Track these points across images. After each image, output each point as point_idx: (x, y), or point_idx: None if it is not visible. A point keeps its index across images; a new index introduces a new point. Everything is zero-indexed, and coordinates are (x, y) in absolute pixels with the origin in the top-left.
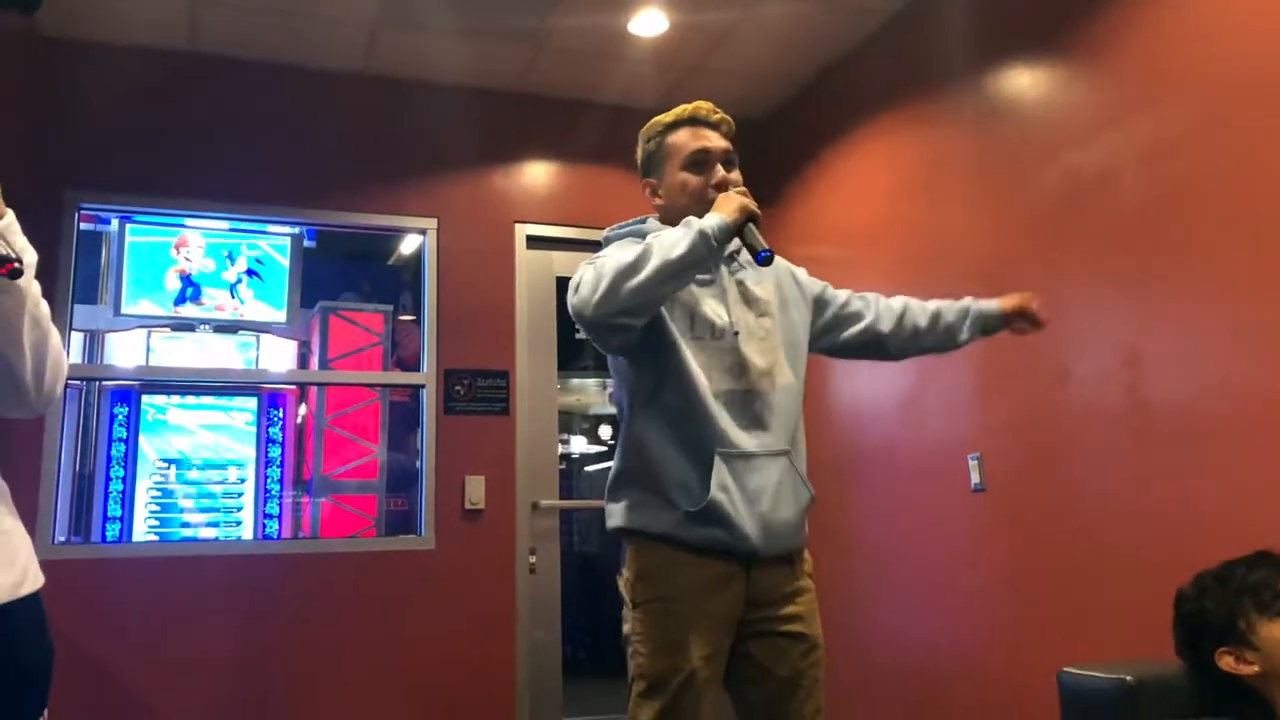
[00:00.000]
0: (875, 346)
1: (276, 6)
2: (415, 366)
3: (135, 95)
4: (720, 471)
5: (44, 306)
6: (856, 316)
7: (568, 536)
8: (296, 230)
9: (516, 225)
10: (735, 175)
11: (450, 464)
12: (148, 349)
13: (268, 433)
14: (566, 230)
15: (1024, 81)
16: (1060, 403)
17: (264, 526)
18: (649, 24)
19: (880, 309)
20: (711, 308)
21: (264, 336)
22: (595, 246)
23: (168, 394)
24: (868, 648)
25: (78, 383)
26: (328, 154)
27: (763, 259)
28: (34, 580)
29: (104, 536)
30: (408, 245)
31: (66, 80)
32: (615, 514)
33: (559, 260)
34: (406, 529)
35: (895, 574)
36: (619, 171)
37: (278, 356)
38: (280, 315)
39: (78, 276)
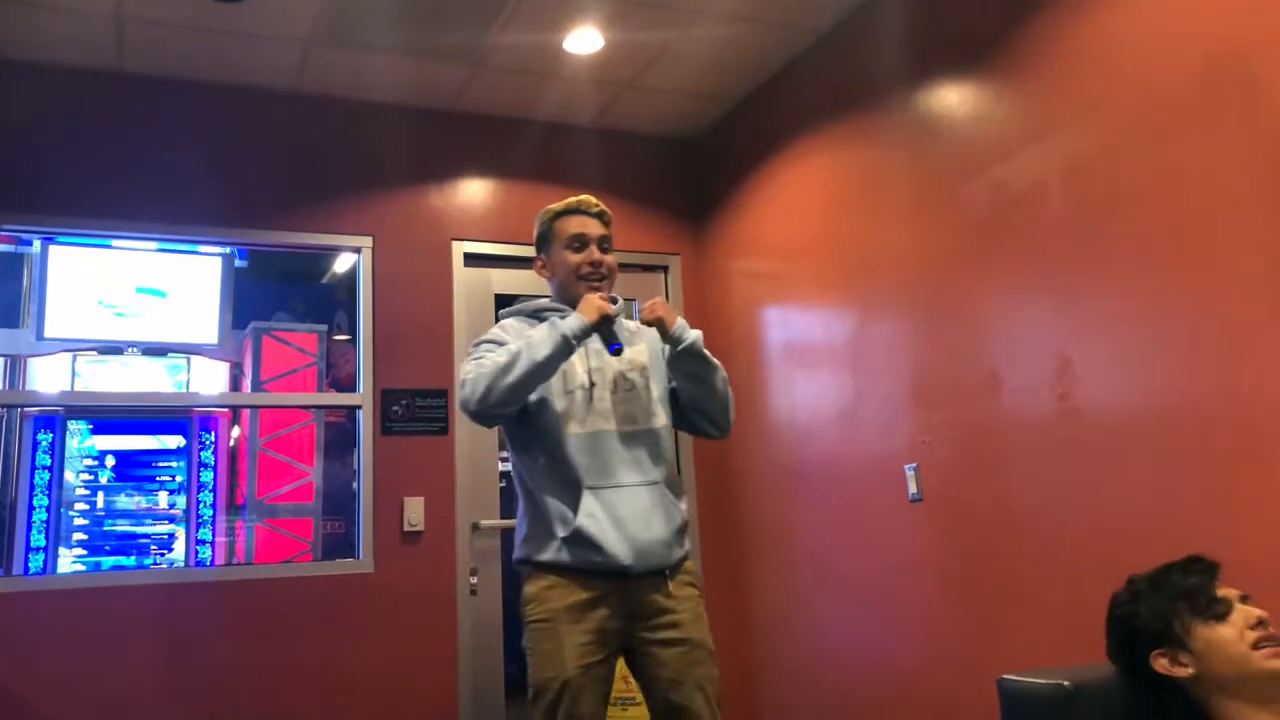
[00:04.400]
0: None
1: (206, 25)
2: (351, 387)
3: (59, 114)
4: (588, 501)
5: None
6: None
7: (509, 556)
8: (227, 250)
9: (454, 243)
10: (609, 258)
11: (388, 485)
12: (73, 373)
13: (199, 457)
14: (504, 247)
15: (953, 98)
16: (993, 412)
17: (196, 553)
18: (584, 42)
19: None
20: (579, 365)
21: (195, 358)
22: (533, 263)
23: (94, 419)
24: (810, 657)
25: None
26: (260, 173)
27: (614, 350)
28: None
29: (26, 568)
30: (342, 264)
31: None
32: (516, 548)
33: (498, 277)
34: (344, 552)
35: (837, 585)
36: (556, 188)
37: (209, 379)
38: (211, 336)
39: None
